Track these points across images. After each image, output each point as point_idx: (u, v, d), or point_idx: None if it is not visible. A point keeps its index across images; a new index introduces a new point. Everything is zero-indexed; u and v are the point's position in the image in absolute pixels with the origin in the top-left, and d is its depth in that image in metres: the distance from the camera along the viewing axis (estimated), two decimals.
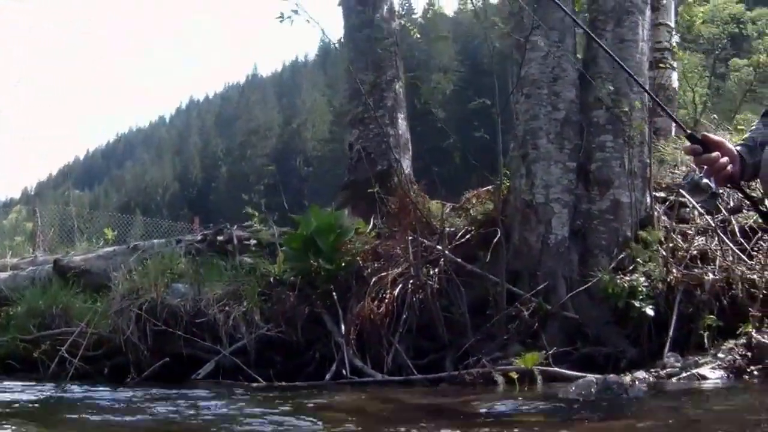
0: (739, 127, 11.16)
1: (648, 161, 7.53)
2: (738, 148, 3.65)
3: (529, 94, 7.72)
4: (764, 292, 5.84)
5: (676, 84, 11.58)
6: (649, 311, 6.41)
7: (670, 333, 6.29)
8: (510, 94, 7.65)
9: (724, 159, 3.48)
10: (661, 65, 10.22)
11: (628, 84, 7.55)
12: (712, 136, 3.57)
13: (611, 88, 7.56)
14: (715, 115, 13.85)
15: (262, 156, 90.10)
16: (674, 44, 11.42)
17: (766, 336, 5.55)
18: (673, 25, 11.98)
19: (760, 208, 3.87)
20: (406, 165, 10.25)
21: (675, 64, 11.41)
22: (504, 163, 7.74)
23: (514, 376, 5.80)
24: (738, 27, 20.73)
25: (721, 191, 3.50)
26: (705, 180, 3.49)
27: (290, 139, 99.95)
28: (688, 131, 3.66)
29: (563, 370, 6.03)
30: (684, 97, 16.40)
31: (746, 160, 3.62)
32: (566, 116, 7.61)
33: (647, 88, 7.82)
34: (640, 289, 6.52)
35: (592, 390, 4.28)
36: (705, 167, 3.50)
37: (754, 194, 4.13)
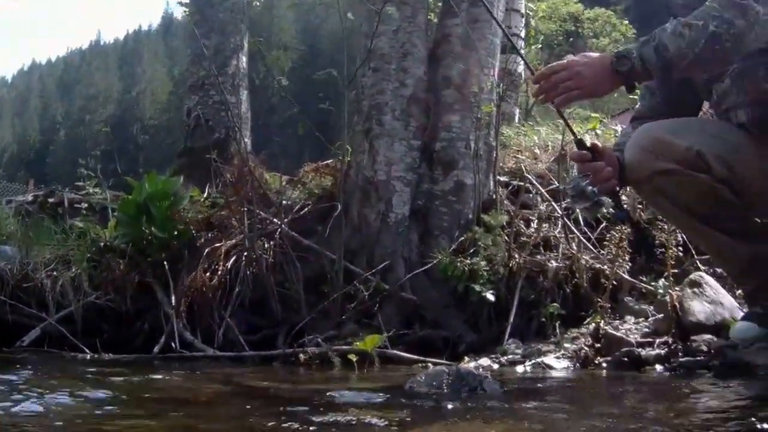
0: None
1: (494, 144, 7.42)
2: (616, 154, 3.71)
3: (376, 68, 7.50)
4: (614, 283, 5.77)
5: (521, 70, 11.61)
6: (489, 296, 6.26)
7: (511, 319, 6.14)
8: (357, 68, 7.41)
9: (609, 169, 3.58)
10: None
11: (480, 65, 7.45)
12: (599, 144, 3.67)
13: (462, 67, 7.44)
14: (571, 111, 13.97)
15: (100, 122, 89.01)
16: (528, 30, 11.48)
17: (611, 327, 5.48)
18: (523, 11, 12.06)
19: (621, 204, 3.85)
20: (246, 135, 10.07)
21: (523, 51, 11.45)
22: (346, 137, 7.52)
23: (353, 358, 5.58)
24: (575, 25, 21.17)
25: (604, 199, 3.55)
26: (591, 187, 3.56)
27: (129, 107, 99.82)
28: (578, 137, 3.70)
29: (402, 353, 5.79)
30: None
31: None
32: (413, 93, 7.42)
33: (497, 71, 7.71)
34: (480, 273, 6.35)
35: (444, 381, 4.04)
36: (591, 175, 3.58)
37: None
